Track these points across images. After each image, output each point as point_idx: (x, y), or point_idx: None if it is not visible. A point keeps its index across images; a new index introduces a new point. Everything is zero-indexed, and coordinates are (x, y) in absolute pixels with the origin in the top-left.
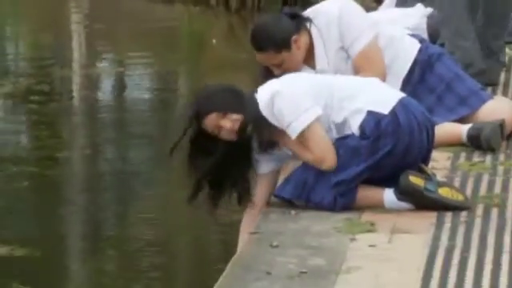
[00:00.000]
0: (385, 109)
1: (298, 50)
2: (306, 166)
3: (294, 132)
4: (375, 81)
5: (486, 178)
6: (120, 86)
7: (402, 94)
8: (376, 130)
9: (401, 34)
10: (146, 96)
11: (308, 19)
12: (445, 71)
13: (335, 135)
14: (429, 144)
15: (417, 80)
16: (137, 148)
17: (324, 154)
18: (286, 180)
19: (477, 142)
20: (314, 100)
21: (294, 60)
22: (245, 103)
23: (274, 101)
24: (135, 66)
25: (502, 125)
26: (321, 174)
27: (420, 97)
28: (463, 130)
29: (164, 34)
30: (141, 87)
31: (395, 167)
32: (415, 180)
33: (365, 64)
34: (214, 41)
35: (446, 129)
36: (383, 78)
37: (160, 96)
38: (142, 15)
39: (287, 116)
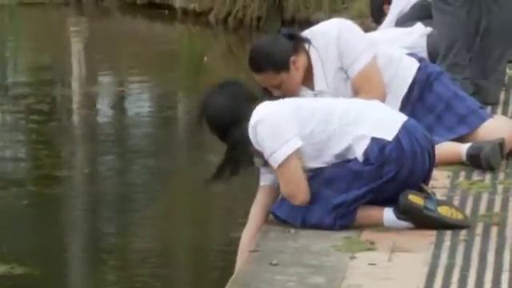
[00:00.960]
0: (389, 135)
1: (296, 71)
2: None
3: (275, 163)
4: (377, 103)
5: (485, 197)
6: (119, 106)
7: (405, 118)
8: (380, 156)
9: (399, 53)
10: (146, 115)
11: (306, 40)
12: (444, 90)
13: (333, 159)
14: (430, 165)
15: (416, 99)
16: (136, 167)
17: (294, 193)
18: (282, 200)
19: (476, 161)
20: (300, 126)
21: (292, 81)
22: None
23: (257, 129)
24: (135, 85)
25: (501, 144)
26: (319, 194)
27: (419, 116)
28: (463, 149)
29: (163, 54)
30: (140, 106)
31: (397, 190)
32: (415, 199)
33: (364, 84)
34: (205, 58)
35: (446, 148)
36: (383, 99)
37: (159, 115)
38: (141, 35)
39: (268, 147)
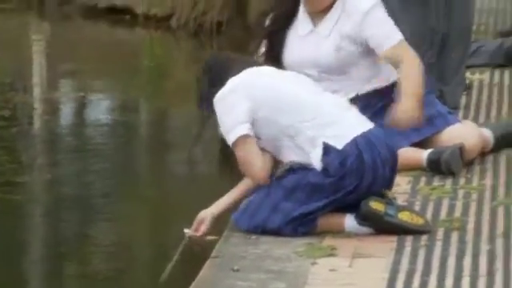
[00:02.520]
0: (350, 145)
1: None
2: (263, 196)
3: (230, 141)
4: (351, 112)
5: (446, 202)
6: (80, 111)
7: (368, 127)
8: (340, 169)
9: None
10: (107, 120)
11: None
12: None
13: (296, 150)
14: (391, 176)
15: (389, 96)
16: (97, 172)
17: (249, 174)
18: (243, 210)
19: (437, 167)
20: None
21: None
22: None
23: (216, 106)
24: (96, 90)
25: (461, 148)
26: (279, 205)
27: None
28: (424, 154)
29: (125, 59)
30: (101, 112)
31: (358, 199)
32: (375, 205)
33: (405, 53)
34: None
35: (407, 154)
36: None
37: (120, 120)
38: (103, 40)
39: (222, 126)
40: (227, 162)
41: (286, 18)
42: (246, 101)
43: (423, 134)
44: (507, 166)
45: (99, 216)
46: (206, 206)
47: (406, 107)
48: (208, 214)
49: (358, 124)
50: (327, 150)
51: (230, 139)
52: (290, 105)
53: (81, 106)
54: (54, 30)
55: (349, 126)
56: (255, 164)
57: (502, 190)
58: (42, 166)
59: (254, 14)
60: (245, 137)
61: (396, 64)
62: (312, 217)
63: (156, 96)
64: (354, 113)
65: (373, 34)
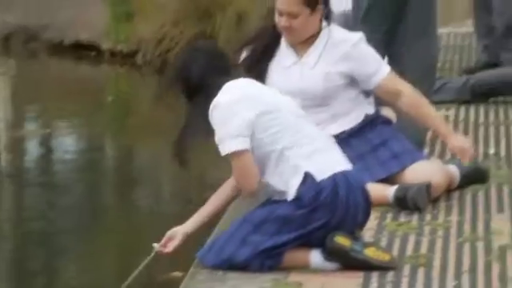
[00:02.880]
0: (328, 180)
1: (313, 20)
2: (231, 232)
3: (222, 152)
4: (331, 144)
5: (412, 238)
6: (46, 148)
7: (349, 166)
8: (314, 201)
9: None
10: (72, 157)
11: (330, 10)
12: (385, 131)
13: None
14: (363, 221)
15: (357, 129)
16: (63, 208)
17: (239, 185)
18: (209, 247)
19: (403, 203)
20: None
21: (306, 24)
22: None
23: (213, 112)
24: (61, 127)
25: (428, 186)
26: (247, 238)
27: (356, 144)
28: (390, 191)
29: (90, 95)
30: (67, 148)
31: (325, 236)
32: (341, 240)
33: (398, 84)
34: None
35: (374, 190)
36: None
37: (86, 157)
38: (68, 77)
39: (217, 134)
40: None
41: (267, 52)
42: (248, 113)
43: (389, 170)
44: (473, 203)
45: (64, 252)
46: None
47: (459, 143)
48: (179, 230)
49: (341, 162)
50: (306, 179)
51: (228, 148)
52: (291, 129)
53: (46, 143)
54: (20, 67)
55: (332, 161)
56: (251, 177)
57: (467, 227)
58: (7, 203)
59: None
60: (243, 150)
61: (394, 96)
62: (279, 251)
63: (121, 132)
64: (338, 150)
65: (361, 66)
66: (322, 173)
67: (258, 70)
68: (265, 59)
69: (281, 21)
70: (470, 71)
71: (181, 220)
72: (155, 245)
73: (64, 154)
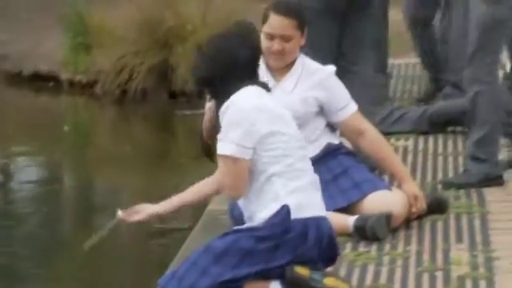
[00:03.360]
0: (300, 221)
1: (299, 46)
2: (192, 261)
3: (220, 151)
4: (316, 186)
5: (371, 268)
6: (4, 178)
7: (324, 214)
8: (279, 237)
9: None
10: (30, 188)
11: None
12: (346, 160)
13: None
14: (325, 266)
15: (319, 157)
16: (22, 240)
17: (224, 187)
18: (171, 274)
19: (363, 232)
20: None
21: (295, 46)
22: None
23: (228, 109)
24: (19, 158)
25: (388, 216)
26: (208, 269)
27: (317, 171)
28: (350, 220)
29: (49, 126)
30: (24, 179)
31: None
32: (301, 270)
33: (362, 124)
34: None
35: (334, 219)
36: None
37: (44, 188)
38: (27, 107)
39: (223, 131)
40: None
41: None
42: (262, 127)
43: (350, 198)
44: (432, 232)
45: (23, 283)
46: (130, 270)
47: (414, 190)
48: (147, 209)
49: (318, 207)
50: (281, 211)
51: (228, 151)
52: (288, 159)
53: (4, 173)
54: None
55: (311, 204)
56: (241, 184)
57: (426, 257)
58: None
59: (179, 81)
60: (241, 158)
61: (357, 135)
62: (239, 284)
63: (79, 163)
64: (320, 194)
65: (333, 97)
66: (297, 212)
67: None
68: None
69: (273, 45)
70: (420, 101)
71: (138, 248)
72: (120, 212)
73: (21, 184)
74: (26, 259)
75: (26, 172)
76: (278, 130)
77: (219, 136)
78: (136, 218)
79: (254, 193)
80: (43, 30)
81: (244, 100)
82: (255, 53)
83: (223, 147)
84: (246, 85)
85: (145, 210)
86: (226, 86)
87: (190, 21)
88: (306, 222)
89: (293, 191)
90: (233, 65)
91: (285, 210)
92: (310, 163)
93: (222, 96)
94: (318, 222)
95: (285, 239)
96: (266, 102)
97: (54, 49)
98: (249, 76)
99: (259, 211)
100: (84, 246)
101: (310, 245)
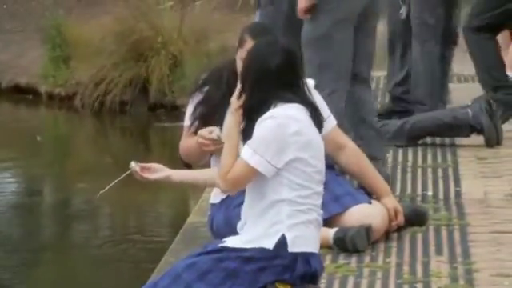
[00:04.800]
0: (292, 254)
1: None
2: (176, 274)
3: (243, 153)
4: (319, 222)
5: (351, 280)
6: None
7: (316, 250)
8: (267, 260)
9: None
10: (9, 201)
11: None
12: (326, 173)
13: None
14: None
15: None
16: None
17: (225, 181)
18: (153, 284)
19: (343, 244)
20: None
21: None
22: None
23: (267, 121)
24: None
25: (368, 228)
26: (191, 285)
27: None
28: (330, 233)
29: (28, 138)
30: (5, 192)
31: None
32: (281, 285)
33: (343, 138)
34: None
35: None
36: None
37: (23, 201)
38: (5, 119)
39: (251, 141)
40: None
41: (226, 98)
42: (294, 153)
43: (330, 211)
44: (411, 244)
45: None
46: (111, 281)
47: (393, 204)
48: (166, 171)
49: (313, 244)
50: (277, 240)
51: (249, 159)
52: (305, 191)
53: None
54: None
55: (308, 239)
56: (239, 187)
57: (406, 268)
58: None
59: (156, 93)
60: (258, 171)
61: (337, 149)
62: None
63: (58, 176)
64: (319, 231)
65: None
66: (292, 245)
67: (216, 118)
68: (223, 106)
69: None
70: (380, 115)
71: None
72: (133, 164)
73: (0, 198)
74: (7, 275)
75: (4, 185)
76: (306, 158)
77: (249, 142)
78: (148, 175)
79: (260, 207)
80: (25, 41)
81: (287, 119)
82: (289, 57)
83: (253, 158)
84: (291, 99)
85: (161, 171)
86: (263, 92)
87: (165, 33)
88: (295, 258)
89: (295, 225)
90: (266, 71)
91: (281, 240)
92: (321, 199)
93: (259, 104)
94: (307, 259)
95: (272, 264)
96: (305, 127)
97: (34, 62)
98: (288, 85)
99: (255, 229)
100: (99, 195)
101: (298, 275)
